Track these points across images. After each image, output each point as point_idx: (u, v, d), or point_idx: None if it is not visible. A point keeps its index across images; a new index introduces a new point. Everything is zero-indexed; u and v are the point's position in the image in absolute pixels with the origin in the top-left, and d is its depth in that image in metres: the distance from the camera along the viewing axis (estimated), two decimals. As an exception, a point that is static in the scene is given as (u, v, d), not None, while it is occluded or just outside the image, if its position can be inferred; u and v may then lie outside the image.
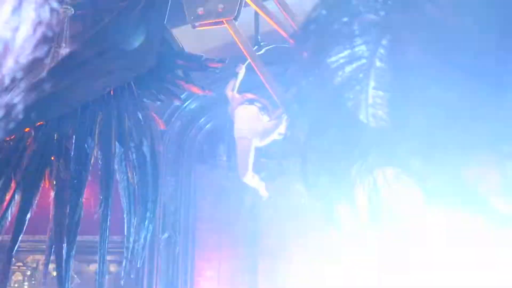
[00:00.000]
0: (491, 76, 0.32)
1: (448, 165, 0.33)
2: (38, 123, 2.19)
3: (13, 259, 2.28)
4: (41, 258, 8.18)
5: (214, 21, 2.41)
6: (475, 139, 0.30)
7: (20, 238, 2.15)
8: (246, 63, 3.38)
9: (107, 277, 2.52)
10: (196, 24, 2.43)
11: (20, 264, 8.08)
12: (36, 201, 2.13)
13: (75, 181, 2.08)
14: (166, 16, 2.36)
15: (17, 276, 8.01)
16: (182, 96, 2.76)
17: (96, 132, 2.15)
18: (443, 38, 0.37)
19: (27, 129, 2.19)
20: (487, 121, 0.30)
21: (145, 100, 2.28)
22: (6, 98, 1.88)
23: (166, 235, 8.43)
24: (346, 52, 0.42)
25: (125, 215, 2.10)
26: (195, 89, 2.37)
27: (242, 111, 3.90)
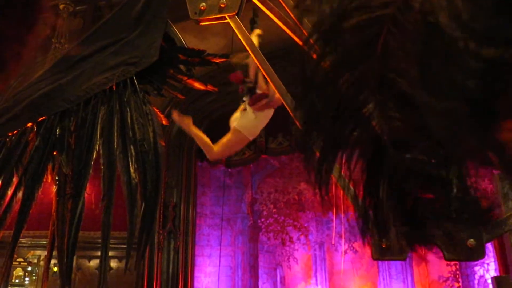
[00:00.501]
0: None
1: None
2: (40, 118, 2.19)
3: (14, 254, 2.27)
4: (42, 253, 8.25)
5: (216, 16, 2.40)
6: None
7: (21, 234, 2.14)
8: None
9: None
10: (198, 19, 2.42)
11: (21, 259, 8.12)
12: (38, 196, 2.13)
13: (77, 176, 2.08)
14: (168, 11, 2.35)
15: (18, 272, 8.05)
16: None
17: (98, 127, 2.14)
18: None
19: (29, 124, 2.19)
20: None
21: (147, 95, 2.27)
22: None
23: (166, 230, 8.46)
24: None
25: (126, 211, 2.09)
26: (197, 85, 2.36)
27: (267, 113, 3.90)
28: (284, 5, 2.40)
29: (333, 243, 10.39)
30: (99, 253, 2.10)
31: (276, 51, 4.37)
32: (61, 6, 7.23)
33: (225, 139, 3.92)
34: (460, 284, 9.28)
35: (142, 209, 2.06)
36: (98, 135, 2.13)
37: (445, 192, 0.41)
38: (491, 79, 0.30)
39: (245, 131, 3.80)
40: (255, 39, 3.90)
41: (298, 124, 0.51)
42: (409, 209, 0.46)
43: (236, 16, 2.38)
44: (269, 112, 3.94)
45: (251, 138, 3.93)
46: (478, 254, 1.68)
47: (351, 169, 0.46)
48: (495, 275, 7.16)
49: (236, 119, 3.95)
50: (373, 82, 0.38)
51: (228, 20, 2.38)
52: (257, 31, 4.00)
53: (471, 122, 0.33)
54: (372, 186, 0.46)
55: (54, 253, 2.24)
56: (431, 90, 0.33)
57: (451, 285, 9.48)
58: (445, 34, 0.31)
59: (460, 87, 0.31)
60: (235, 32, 2.47)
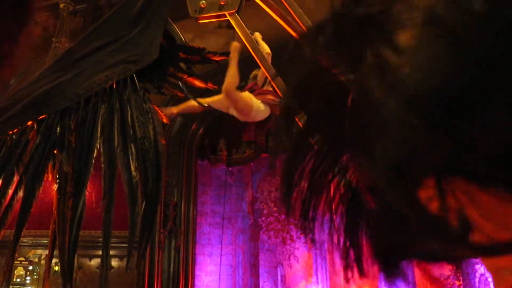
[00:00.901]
0: None
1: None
2: (41, 117, 2.19)
3: (16, 253, 2.27)
4: (43, 252, 8.24)
5: (216, 14, 2.40)
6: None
7: (22, 232, 2.14)
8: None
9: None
10: (199, 17, 2.42)
11: (22, 259, 8.12)
12: (39, 195, 2.13)
13: (77, 174, 2.08)
14: (168, 9, 2.35)
15: (20, 271, 8.05)
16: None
17: (99, 125, 2.14)
18: None
19: (29, 123, 2.19)
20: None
21: (147, 93, 2.27)
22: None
23: (167, 229, 8.47)
24: None
25: (127, 209, 2.09)
26: (197, 82, 2.36)
27: (265, 110, 4.41)
28: (284, 3, 2.40)
29: (334, 241, 10.37)
30: (100, 252, 2.10)
31: (274, 50, 4.42)
32: (61, 5, 7.23)
33: (244, 94, 4.38)
34: (461, 282, 9.28)
35: (143, 208, 2.06)
36: (99, 133, 2.13)
37: (420, 230, 0.43)
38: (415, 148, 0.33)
39: (254, 104, 4.29)
40: (263, 43, 4.37)
41: (299, 123, 0.52)
42: (387, 249, 0.48)
43: (236, 14, 2.38)
44: (267, 111, 4.35)
45: (250, 114, 4.36)
46: (479, 251, 1.69)
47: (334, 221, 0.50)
48: (496, 273, 7.16)
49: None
50: (345, 139, 0.40)
51: (228, 17, 2.38)
52: (258, 34, 4.39)
53: (397, 183, 0.35)
54: (351, 230, 0.49)
55: (55, 252, 2.24)
56: (367, 153, 0.36)
57: (452, 283, 9.47)
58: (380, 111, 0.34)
59: (388, 152, 0.34)
60: (235, 30, 2.47)
